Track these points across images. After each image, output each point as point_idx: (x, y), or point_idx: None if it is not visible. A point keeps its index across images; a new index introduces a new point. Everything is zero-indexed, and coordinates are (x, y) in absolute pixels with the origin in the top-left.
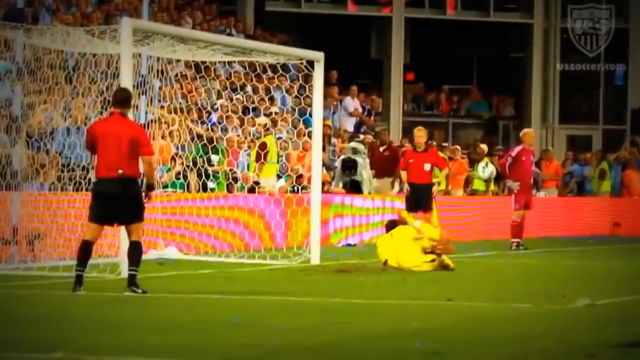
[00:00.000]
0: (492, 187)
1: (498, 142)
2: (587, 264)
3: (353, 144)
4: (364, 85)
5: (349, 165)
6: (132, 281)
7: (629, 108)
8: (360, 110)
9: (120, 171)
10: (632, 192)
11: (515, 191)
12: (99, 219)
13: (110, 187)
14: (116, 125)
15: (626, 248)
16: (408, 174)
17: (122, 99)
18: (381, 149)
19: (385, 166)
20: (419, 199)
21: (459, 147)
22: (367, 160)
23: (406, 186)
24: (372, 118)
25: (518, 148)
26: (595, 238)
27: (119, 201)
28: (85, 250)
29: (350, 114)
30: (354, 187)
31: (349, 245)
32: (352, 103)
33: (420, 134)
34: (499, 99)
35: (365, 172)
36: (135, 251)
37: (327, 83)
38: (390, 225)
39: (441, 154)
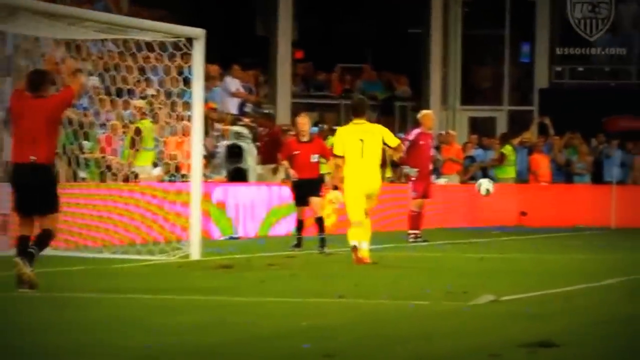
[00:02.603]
0: (388, 173)
1: (394, 124)
2: (491, 257)
3: (236, 128)
4: (249, 65)
5: (234, 152)
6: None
7: (537, 87)
8: (243, 90)
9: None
10: (540, 178)
11: (413, 178)
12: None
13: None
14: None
15: (533, 239)
16: (293, 167)
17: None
18: (264, 134)
19: (266, 152)
20: (308, 193)
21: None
22: (253, 146)
23: (292, 172)
24: (257, 99)
25: (416, 131)
26: (500, 228)
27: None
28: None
29: (233, 95)
30: (239, 176)
31: (232, 238)
32: (234, 83)
33: (305, 122)
34: (395, 78)
35: (251, 159)
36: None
37: (209, 62)
38: None
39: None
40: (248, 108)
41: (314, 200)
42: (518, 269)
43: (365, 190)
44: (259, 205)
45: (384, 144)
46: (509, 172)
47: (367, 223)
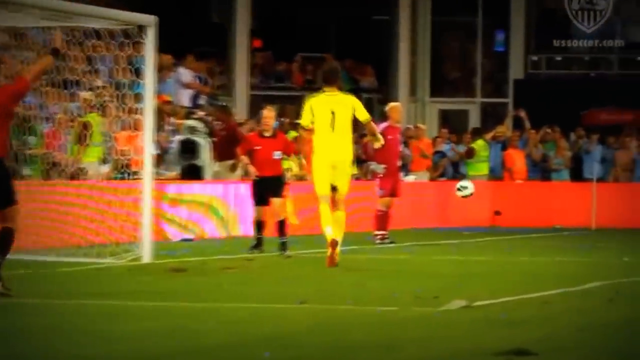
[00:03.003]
0: (353, 170)
1: None
2: (463, 260)
3: (190, 122)
4: (204, 54)
5: (188, 148)
6: None
7: (511, 78)
8: (197, 82)
9: None
10: (515, 175)
11: (380, 175)
12: None
13: None
14: None
15: (508, 240)
16: (254, 163)
17: None
18: (220, 128)
19: (223, 147)
20: (268, 192)
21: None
22: (208, 141)
23: (252, 169)
24: (212, 91)
25: (383, 125)
26: (472, 229)
27: None
28: None
29: (186, 87)
30: (194, 173)
31: (186, 240)
32: (187, 74)
33: (271, 115)
34: (360, 69)
35: (206, 155)
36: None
37: (161, 51)
38: None
39: (294, 134)
40: (202, 100)
41: (274, 201)
42: (492, 272)
43: (333, 163)
44: (214, 204)
45: (354, 117)
46: (482, 168)
47: (342, 218)
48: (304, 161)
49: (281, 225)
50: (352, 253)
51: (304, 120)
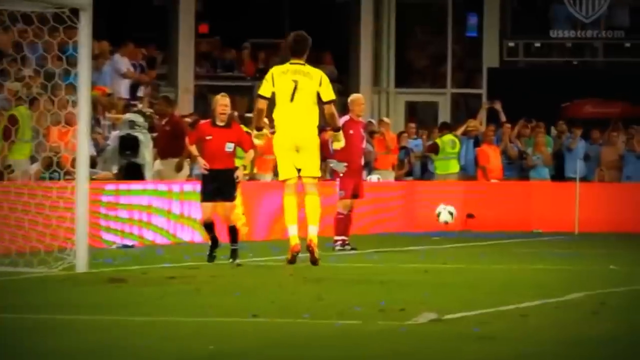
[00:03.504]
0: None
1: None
2: (432, 268)
3: (129, 116)
4: (144, 40)
5: (128, 144)
6: None
7: (485, 66)
8: (136, 71)
9: None
10: (489, 174)
11: (341, 174)
12: None
13: None
14: None
15: (481, 247)
16: (203, 155)
17: None
18: (163, 122)
19: (167, 144)
20: (219, 189)
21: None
22: (149, 137)
23: (202, 161)
24: (152, 81)
25: (344, 119)
26: (442, 234)
27: None
28: None
29: (124, 76)
30: (134, 172)
31: (125, 247)
32: (124, 62)
33: (226, 102)
34: (318, 56)
35: (147, 152)
36: None
37: (97, 38)
38: None
39: (246, 129)
40: (142, 92)
41: (225, 205)
42: (464, 281)
43: (295, 141)
44: (156, 207)
45: (318, 97)
46: (451, 166)
47: (314, 202)
48: (267, 132)
49: (232, 231)
50: (309, 261)
51: (263, 90)
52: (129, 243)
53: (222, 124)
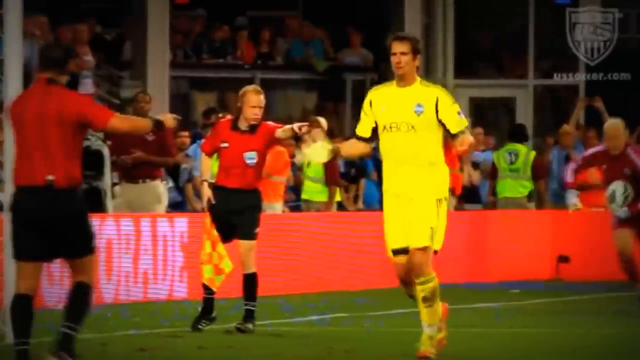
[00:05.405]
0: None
1: (344, 111)
2: (511, 333)
3: None
4: (105, 20)
5: (87, 162)
6: None
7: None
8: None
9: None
10: (590, 199)
11: None
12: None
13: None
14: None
15: (577, 302)
16: (218, 170)
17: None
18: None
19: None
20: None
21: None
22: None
23: (207, 193)
24: (117, 73)
25: None
26: (522, 284)
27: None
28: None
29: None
30: (92, 201)
31: None
32: (82, 50)
33: (259, 102)
34: (341, 39)
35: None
36: None
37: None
38: None
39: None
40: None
41: (243, 244)
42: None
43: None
44: (120, 250)
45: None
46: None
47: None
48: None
49: (250, 281)
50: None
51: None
52: None
53: (245, 127)
